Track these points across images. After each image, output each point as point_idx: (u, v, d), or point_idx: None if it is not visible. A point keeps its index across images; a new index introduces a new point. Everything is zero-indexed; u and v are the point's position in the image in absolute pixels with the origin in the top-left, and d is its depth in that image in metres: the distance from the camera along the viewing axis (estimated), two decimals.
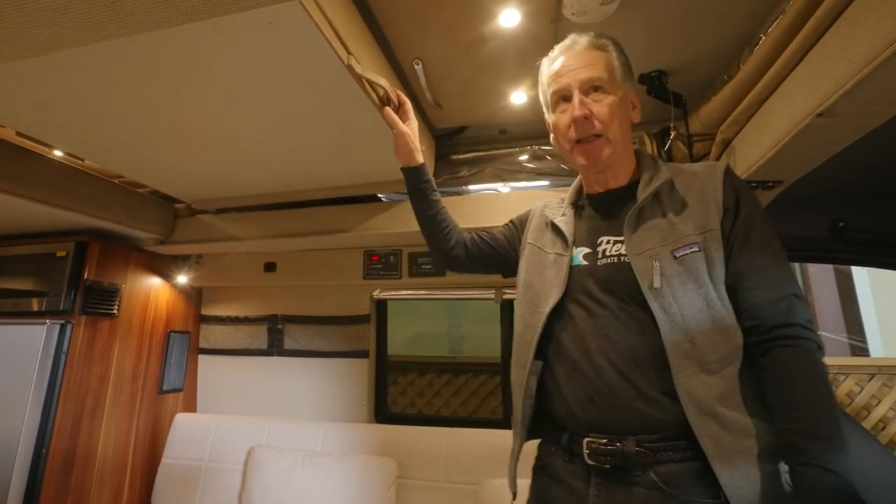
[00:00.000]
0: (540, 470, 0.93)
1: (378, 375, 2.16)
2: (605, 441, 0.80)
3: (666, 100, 1.37)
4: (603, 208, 0.96)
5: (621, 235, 0.88)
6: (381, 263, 2.02)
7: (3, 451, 1.60)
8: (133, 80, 1.05)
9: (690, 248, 0.81)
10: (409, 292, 2.13)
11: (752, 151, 1.19)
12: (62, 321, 1.73)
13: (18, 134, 1.41)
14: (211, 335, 2.35)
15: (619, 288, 0.85)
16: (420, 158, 1.10)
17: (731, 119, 1.24)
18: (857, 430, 1.08)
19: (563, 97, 0.91)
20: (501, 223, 1.17)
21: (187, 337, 2.29)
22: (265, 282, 2.20)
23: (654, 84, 1.37)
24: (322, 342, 2.19)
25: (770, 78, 1.04)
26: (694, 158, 1.43)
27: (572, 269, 0.91)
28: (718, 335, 0.78)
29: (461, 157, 1.80)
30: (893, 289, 3.25)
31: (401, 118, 1.15)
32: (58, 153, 1.55)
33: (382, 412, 2.13)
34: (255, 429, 2.04)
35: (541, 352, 0.91)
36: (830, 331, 3.79)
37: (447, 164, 1.80)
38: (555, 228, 0.99)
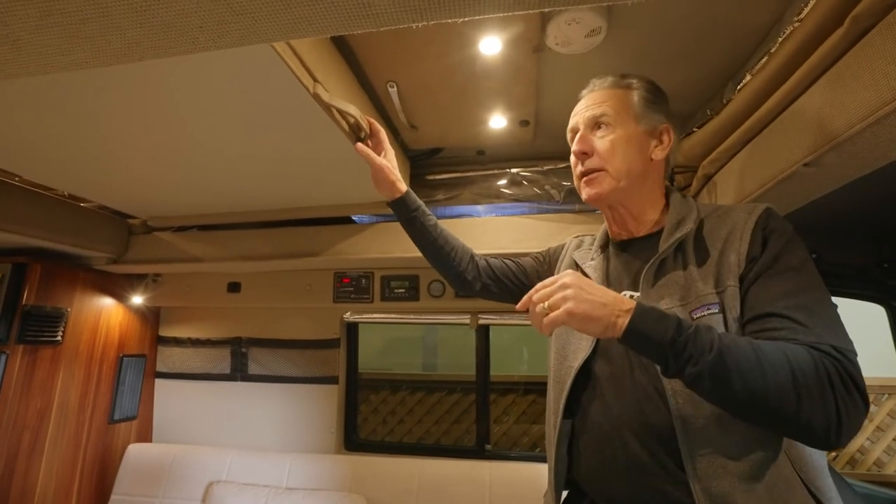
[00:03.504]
0: None
1: (348, 402, 2.06)
2: None
3: None
4: (626, 257, 0.88)
5: (639, 290, 0.81)
6: (352, 286, 1.93)
7: None
8: (78, 97, 0.94)
9: (709, 308, 0.72)
10: (383, 315, 2.04)
11: (733, 191, 1.16)
12: None
13: None
14: (169, 358, 2.21)
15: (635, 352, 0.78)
16: (403, 187, 1.04)
17: (713, 156, 1.22)
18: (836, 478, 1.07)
19: (574, 134, 0.90)
20: (480, 248, 1.11)
21: (143, 361, 2.13)
22: (229, 302, 2.07)
23: None
24: (289, 367, 2.08)
25: (756, 120, 1.01)
26: None
27: None
28: None
29: (437, 178, 1.73)
30: (851, 312, 3.38)
31: (375, 148, 1.08)
32: None
33: (352, 440, 2.04)
34: (215, 461, 1.91)
35: (569, 409, 0.84)
36: None
37: (422, 185, 1.73)
38: (584, 275, 0.93)
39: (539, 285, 0.69)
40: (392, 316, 2.03)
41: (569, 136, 0.92)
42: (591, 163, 0.85)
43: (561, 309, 0.65)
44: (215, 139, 1.15)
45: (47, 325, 1.71)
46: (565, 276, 0.68)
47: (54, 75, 0.88)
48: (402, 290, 1.88)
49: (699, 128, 1.28)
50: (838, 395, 0.60)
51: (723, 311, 0.71)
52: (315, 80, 0.91)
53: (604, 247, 0.95)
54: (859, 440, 2.80)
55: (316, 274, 1.98)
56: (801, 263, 0.71)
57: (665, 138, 0.87)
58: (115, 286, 2.03)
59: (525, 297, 0.70)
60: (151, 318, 2.22)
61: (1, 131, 1.08)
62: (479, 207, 1.77)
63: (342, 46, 1.07)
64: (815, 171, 0.90)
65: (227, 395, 2.12)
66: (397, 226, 1.70)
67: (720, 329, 0.70)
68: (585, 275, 0.91)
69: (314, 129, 1.09)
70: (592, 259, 0.94)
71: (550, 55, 1.11)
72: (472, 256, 1.07)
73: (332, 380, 2.03)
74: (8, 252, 1.68)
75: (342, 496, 1.70)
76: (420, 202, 1.05)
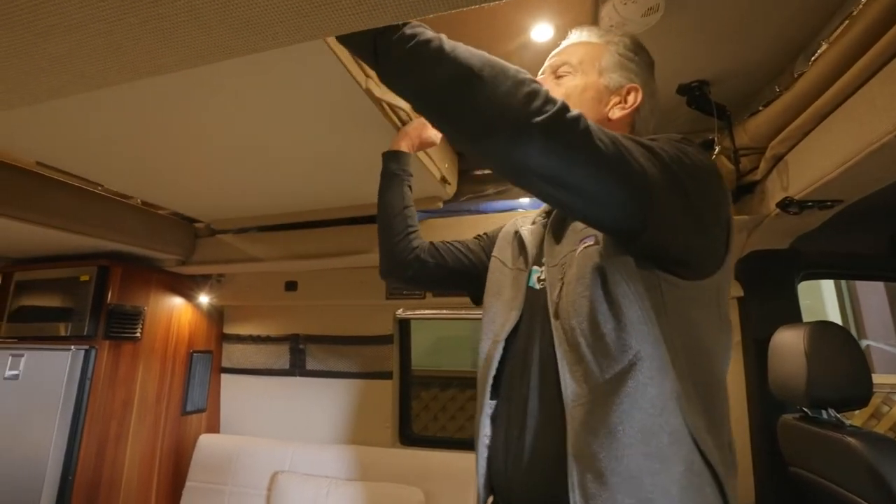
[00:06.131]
0: None
1: (402, 397, 2.10)
2: None
3: (708, 111, 1.28)
4: (556, 221, 0.82)
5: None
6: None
7: (30, 479, 1.60)
8: (152, 110, 1.02)
9: (585, 242, 0.69)
10: (434, 311, 2.06)
11: (809, 171, 1.08)
12: (86, 346, 1.72)
13: (38, 163, 1.40)
14: (233, 354, 2.33)
15: (543, 318, 0.72)
16: (405, 147, 1.02)
17: (784, 135, 1.14)
18: None
19: None
20: None
21: (209, 356, 2.27)
22: (286, 301, 2.16)
23: (695, 95, 1.28)
24: (345, 362, 2.14)
25: (835, 92, 0.94)
26: (740, 174, 1.32)
27: (527, 290, 0.79)
28: (604, 348, 0.62)
29: (486, 171, 1.73)
30: None
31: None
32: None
33: (407, 435, 2.07)
34: (277, 452, 2.00)
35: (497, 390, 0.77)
36: (879, 339, 3.55)
37: (470, 180, 1.73)
38: (519, 240, 0.88)
39: None
40: (443, 312, 2.04)
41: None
42: None
43: None
44: (273, 142, 1.20)
45: (128, 323, 1.86)
46: None
47: (133, 93, 0.96)
48: None
49: (765, 106, 1.21)
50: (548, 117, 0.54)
51: (600, 241, 0.68)
52: (367, 75, 0.93)
53: (548, 212, 0.89)
54: None
55: (368, 271, 2.03)
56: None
57: (630, 98, 0.80)
58: (184, 286, 2.17)
59: None
60: (216, 316, 2.36)
61: (88, 146, 1.19)
62: (525, 200, 1.75)
63: None
64: None
65: (286, 389, 2.21)
66: (447, 221, 1.73)
67: (594, 260, 0.66)
68: (521, 239, 0.87)
69: (366, 126, 1.12)
70: (533, 223, 0.90)
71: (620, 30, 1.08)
72: (424, 246, 0.98)
73: (386, 375, 2.07)
74: (93, 256, 1.84)
75: (400, 488, 1.73)
76: (412, 170, 1.01)
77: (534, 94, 0.55)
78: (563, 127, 0.55)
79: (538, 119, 0.53)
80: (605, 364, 0.61)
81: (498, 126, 0.54)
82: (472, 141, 0.58)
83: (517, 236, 0.89)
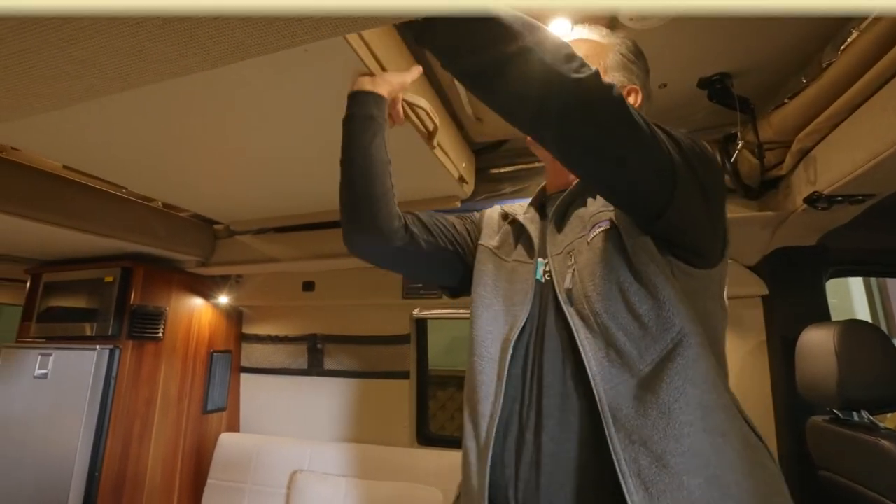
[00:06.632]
0: None
1: (419, 397, 2.10)
2: None
3: (730, 105, 1.24)
4: (558, 211, 0.79)
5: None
6: (420, 283, 1.96)
7: (58, 475, 1.64)
8: (174, 114, 1.04)
9: (600, 226, 0.68)
10: (451, 311, 2.05)
11: (839, 164, 1.05)
12: (111, 346, 1.76)
13: (65, 167, 1.44)
14: (252, 354, 2.37)
15: (554, 309, 0.69)
16: (385, 91, 0.82)
17: (811, 127, 1.10)
18: None
19: None
20: None
21: (229, 356, 2.30)
22: (304, 301, 2.19)
23: (716, 88, 1.24)
24: (362, 362, 2.15)
25: (866, 82, 0.91)
26: (765, 169, 1.29)
27: (535, 283, 0.74)
28: (642, 328, 0.60)
29: (502, 170, 1.72)
30: None
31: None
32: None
33: (424, 434, 2.07)
34: (296, 452, 2.02)
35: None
36: None
37: (488, 179, 1.72)
38: (516, 228, 0.84)
39: None
40: (460, 312, 2.04)
41: None
42: None
43: None
44: (291, 143, 1.21)
45: (150, 323, 1.90)
46: None
47: (156, 98, 0.97)
48: None
49: (791, 98, 1.17)
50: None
51: (616, 224, 0.67)
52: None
53: (539, 202, 0.86)
54: None
55: (385, 271, 2.03)
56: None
57: (631, 99, 0.81)
58: (204, 287, 2.21)
59: None
60: (235, 316, 2.39)
61: (112, 149, 1.21)
62: None
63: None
64: None
65: (304, 388, 2.24)
66: None
67: (614, 243, 0.65)
68: (519, 227, 0.83)
69: None
70: (527, 212, 0.85)
71: (623, 32, 1.06)
72: (410, 218, 0.87)
73: (403, 375, 2.07)
74: (116, 258, 1.89)
75: (419, 488, 1.73)
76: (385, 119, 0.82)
77: (572, 55, 0.55)
78: (601, 90, 0.55)
79: (578, 76, 0.53)
80: (645, 345, 0.60)
81: (541, 81, 0.53)
82: (510, 101, 0.56)
83: (517, 226, 0.84)
